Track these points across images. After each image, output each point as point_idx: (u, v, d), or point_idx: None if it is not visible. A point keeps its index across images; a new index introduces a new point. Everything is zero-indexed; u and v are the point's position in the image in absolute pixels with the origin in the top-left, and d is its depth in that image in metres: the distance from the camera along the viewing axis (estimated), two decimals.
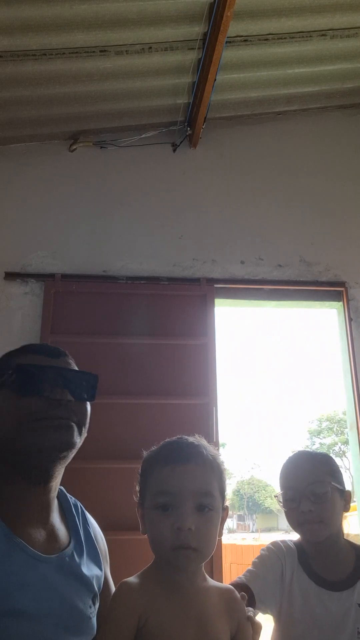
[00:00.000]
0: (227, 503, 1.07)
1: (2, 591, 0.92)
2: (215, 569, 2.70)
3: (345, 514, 1.49)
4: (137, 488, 1.07)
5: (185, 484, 0.99)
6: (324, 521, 1.40)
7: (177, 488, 0.98)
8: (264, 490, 38.92)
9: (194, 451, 1.03)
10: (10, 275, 3.11)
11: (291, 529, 1.49)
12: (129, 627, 0.92)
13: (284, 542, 1.52)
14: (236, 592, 1.06)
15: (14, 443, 1.04)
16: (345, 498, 1.47)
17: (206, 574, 1.05)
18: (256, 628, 1.01)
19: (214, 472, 1.03)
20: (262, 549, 1.52)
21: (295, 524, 1.44)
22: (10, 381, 1.07)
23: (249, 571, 1.44)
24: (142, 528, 1.04)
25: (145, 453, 1.08)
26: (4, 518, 1.00)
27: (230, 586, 1.09)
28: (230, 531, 34.56)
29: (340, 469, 1.52)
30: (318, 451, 1.57)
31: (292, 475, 1.47)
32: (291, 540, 1.52)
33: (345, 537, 1.50)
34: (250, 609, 1.06)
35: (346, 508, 1.47)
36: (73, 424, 1.07)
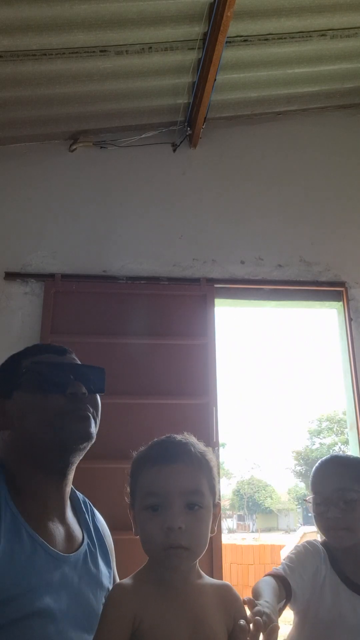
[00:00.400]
0: (219, 500, 1.07)
1: (29, 592, 0.93)
2: (215, 569, 2.70)
3: None
4: (128, 489, 1.06)
5: (173, 484, 0.98)
6: (351, 528, 1.39)
7: (165, 488, 0.98)
8: (264, 490, 38.89)
9: (181, 450, 1.03)
10: (10, 275, 3.11)
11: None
12: (123, 630, 0.91)
13: (317, 541, 1.51)
14: (233, 589, 1.06)
15: (40, 440, 1.08)
16: None
17: (201, 571, 1.04)
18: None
19: (203, 469, 1.02)
20: (298, 545, 1.50)
21: (322, 529, 1.44)
22: (27, 381, 1.11)
23: (287, 565, 1.42)
24: (134, 529, 1.03)
25: (134, 454, 1.08)
26: (25, 514, 1.02)
27: (227, 582, 1.08)
28: (230, 531, 34.51)
29: None
30: (351, 456, 1.55)
31: (321, 480, 1.46)
32: (319, 541, 1.52)
33: None
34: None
35: None
36: (90, 414, 1.12)
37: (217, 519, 1.05)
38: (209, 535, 1.01)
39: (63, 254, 3.20)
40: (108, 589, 1.12)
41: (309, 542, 1.50)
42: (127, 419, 2.90)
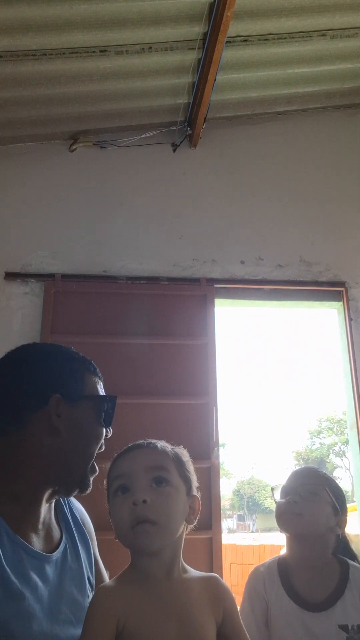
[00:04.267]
0: (197, 493, 1.06)
1: (10, 595, 0.92)
2: (215, 569, 2.70)
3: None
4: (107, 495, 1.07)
5: (137, 462, 1.01)
6: (303, 515, 1.42)
7: (130, 467, 1.01)
8: (264, 490, 38.86)
9: (148, 442, 1.06)
10: (10, 275, 3.11)
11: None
12: (107, 633, 0.90)
13: (262, 564, 1.53)
14: (220, 579, 1.04)
15: (75, 463, 1.08)
16: (338, 521, 1.48)
17: (187, 566, 1.03)
18: None
19: (169, 456, 1.04)
20: (245, 590, 1.49)
21: (277, 515, 1.48)
22: (89, 403, 1.12)
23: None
24: (114, 532, 1.03)
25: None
26: (8, 521, 1.00)
27: (214, 574, 1.07)
28: (230, 531, 34.50)
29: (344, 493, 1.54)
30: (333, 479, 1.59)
31: (293, 475, 1.53)
32: (272, 558, 1.53)
33: (346, 537, 1.51)
34: None
35: (335, 530, 1.48)
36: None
37: (195, 513, 1.04)
38: (182, 516, 1.01)
39: (63, 254, 3.20)
40: (89, 577, 1.12)
41: (251, 577, 1.50)
42: (127, 419, 2.89)
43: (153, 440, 1.07)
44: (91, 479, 1.12)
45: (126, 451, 1.05)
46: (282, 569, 1.46)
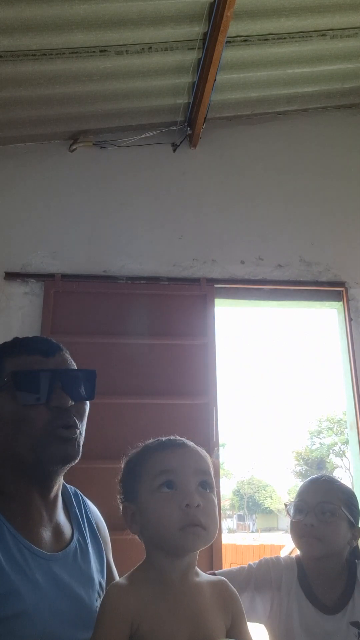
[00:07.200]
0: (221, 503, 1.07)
1: (12, 594, 0.92)
2: (215, 569, 2.70)
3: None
4: (121, 488, 1.05)
5: (188, 462, 0.99)
6: (323, 540, 1.42)
7: (181, 466, 0.98)
8: (264, 490, 38.91)
9: (188, 442, 1.04)
10: (10, 275, 3.11)
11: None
12: (121, 633, 0.89)
13: (284, 557, 1.54)
14: (229, 584, 1.04)
15: (19, 455, 1.03)
16: (354, 533, 1.48)
17: (198, 569, 1.03)
18: None
19: (209, 462, 1.04)
20: (263, 558, 1.52)
21: (296, 536, 1.46)
22: (8, 388, 1.04)
23: (254, 583, 1.45)
24: (132, 527, 1.01)
25: (126, 455, 1.07)
26: (8, 516, 1.00)
27: (223, 578, 1.07)
28: (230, 531, 34.52)
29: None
30: (344, 484, 1.59)
31: (308, 489, 1.51)
32: (293, 556, 1.54)
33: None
34: None
35: (351, 543, 1.48)
36: (75, 434, 1.06)
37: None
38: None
39: (63, 254, 3.20)
40: (100, 582, 1.10)
41: (274, 557, 1.52)
42: (127, 419, 2.90)
43: (191, 442, 1.05)
44: (61, 450, 1.04)
45: (171, 446, 1.01)
46: (300, 569, 1.48)
